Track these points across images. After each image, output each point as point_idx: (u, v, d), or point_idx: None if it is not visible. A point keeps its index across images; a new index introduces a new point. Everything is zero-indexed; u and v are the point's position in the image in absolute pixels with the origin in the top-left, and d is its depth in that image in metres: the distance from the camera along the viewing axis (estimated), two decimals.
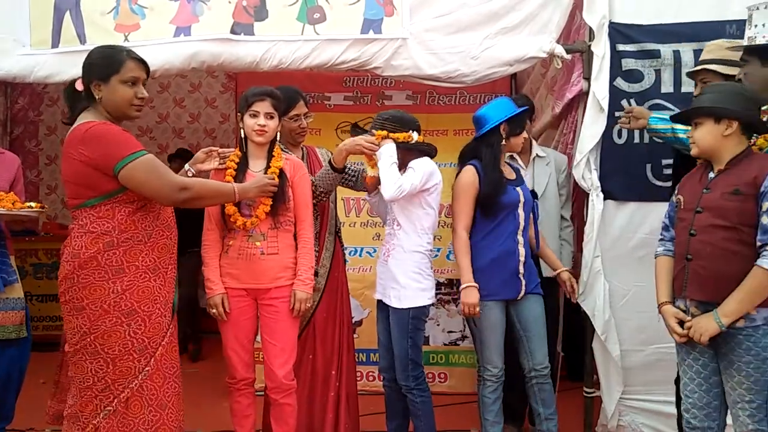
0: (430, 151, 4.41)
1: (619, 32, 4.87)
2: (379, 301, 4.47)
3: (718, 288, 3.39)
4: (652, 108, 4.74)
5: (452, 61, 4.85)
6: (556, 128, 5.84)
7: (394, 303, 4.28)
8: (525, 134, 4.57)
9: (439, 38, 4.87)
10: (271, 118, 4.05)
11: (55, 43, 4.87)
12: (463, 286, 4.27)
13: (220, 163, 4.13)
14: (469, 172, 4.37)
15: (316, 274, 4.31)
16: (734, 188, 3.38)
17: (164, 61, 4.79)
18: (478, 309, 4.25)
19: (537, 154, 5.21)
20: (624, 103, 4.87)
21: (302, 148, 4.62)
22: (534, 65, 5.45)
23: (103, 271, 3.38)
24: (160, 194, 3.38)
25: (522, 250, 4.39)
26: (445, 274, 6.28)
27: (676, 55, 4.82)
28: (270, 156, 4.16)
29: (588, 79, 4.93)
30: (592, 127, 4.81)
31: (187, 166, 4.17)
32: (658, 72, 4.87)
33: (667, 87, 4.85)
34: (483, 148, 4.40)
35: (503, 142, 4.39)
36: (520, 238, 4.41)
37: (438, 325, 6.30)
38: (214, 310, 4.09)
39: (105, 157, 3.30)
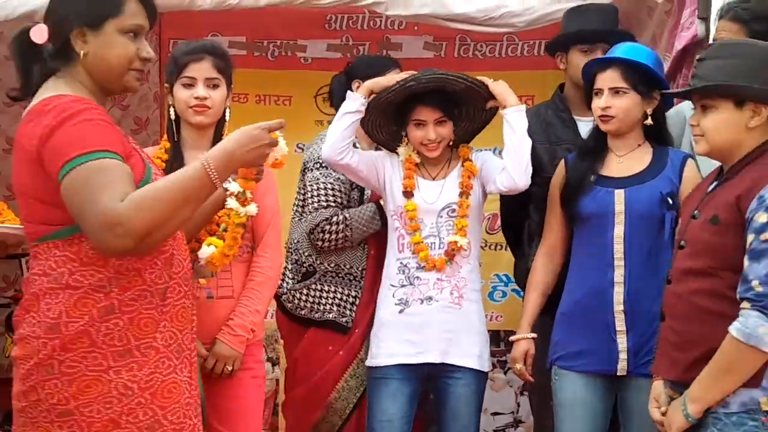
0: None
1: None
2: (401, 368, 3.93)
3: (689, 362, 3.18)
4: None
5: None
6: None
7: (478, 364, 3.95)
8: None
9: None
10: (216, 86, 3.78)
11: None
12: (515, 336, 3.93)
13: None
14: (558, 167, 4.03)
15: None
16: (713, 214, 3.16)
17: None
18: (520, 367, 3.86)
19: None
20: None
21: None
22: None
23: (101, 356, 2.86)
24: (91, 235, 2.72)
25: (620, 293, 3.70)
26: (491, 323, 5.51)
27: None
28: None
29: (706, 18, 4.47)
30: None
31: None
32: None
33: None
34: None
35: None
36: (618, 273, 3.74)
37: None
38: None
39: (55, 152, 2.79)
